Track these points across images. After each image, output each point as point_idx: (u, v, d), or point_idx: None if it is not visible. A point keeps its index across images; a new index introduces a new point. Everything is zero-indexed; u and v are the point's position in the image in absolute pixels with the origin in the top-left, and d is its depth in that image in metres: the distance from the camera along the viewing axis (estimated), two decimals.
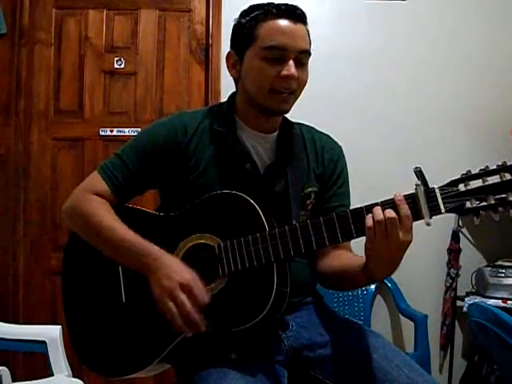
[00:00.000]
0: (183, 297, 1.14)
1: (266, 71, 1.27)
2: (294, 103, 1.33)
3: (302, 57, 1.28)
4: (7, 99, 2.79)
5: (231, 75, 1.37)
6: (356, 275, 1.22)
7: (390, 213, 1.09)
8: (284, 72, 1.26)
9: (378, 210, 1.10)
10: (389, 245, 1.10)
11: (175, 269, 1.18)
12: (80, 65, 2.85)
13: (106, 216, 1.29)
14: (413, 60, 2.88)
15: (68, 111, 2.85)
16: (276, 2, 1.31)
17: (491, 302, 2.50)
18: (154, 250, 1.22)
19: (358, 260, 1.20)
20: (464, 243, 2.82)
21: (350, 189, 1.44)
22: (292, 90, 1.28)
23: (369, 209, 1.13)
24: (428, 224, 1.09)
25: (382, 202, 1.12)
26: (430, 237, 2.50)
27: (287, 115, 1.42)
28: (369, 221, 1.10)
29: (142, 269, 1.22)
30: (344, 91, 2.85)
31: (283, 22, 1.27)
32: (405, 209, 1.09)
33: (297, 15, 1.28)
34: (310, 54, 1.31)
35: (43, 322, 2.43)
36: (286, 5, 1.30)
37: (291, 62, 1.26)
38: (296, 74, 1.26)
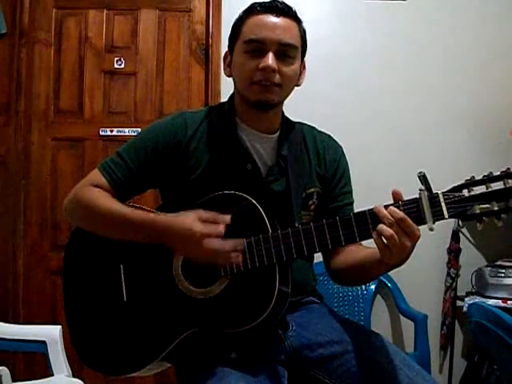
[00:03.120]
0: (206, 246, 1.15)
1: (246, 64, 1.29)
2: (282, 96, 1.33)
3: (285, 50, 1.28)
4: (7, 99, 2.79)
5: (225, 74, 1.39)
6: (372, 268, 1.23)
7: (398, 213, 1.09)
8: (261, 64, 1.26)
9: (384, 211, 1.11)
10: (402, 244, 1.10)
11: (185, 228, 1.17)
12: (80, 65, 2.85)
13: (109, 201, 1.30)
14: (413, 60, 2.88)
15: (68, 111, 2.85)
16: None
17: (491, 302, 2.50)
18: (161, 220, 1.22)
19: (372, 252, 1.19)
20: (464, 243, 2.82)
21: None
22: (273, 81, 1.27)
23: (372, 213, 1.13)
24: (431, 229, 1.10)
25: (385, 206, 1.13)
26: (430, 237, 2.48)
27: (288, 115, 1.43)
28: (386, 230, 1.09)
29: (155, 240, 1.23)
30: (344, 91, 2.85)
31: (265, 17, 1.29)
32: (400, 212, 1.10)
33: (280, 9, 1.29)
34: (297, 48, 1.31)
35: (43, 322, 2.43)
36: (273, 1, 1.31)
37: (270, 54, 1.26)
38: (274, 66, 1.26)
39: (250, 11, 1.32)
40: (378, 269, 1.22)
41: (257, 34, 1.28)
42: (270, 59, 1.26)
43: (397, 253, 1.10)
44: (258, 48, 1.27)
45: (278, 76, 1.28)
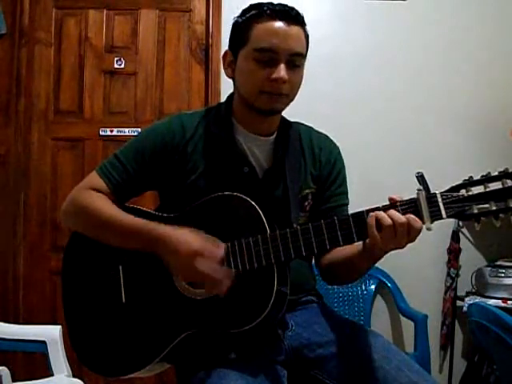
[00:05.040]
0: (199, 265, 1.15)
1: (256, 73, 1.27)
2: (288, 104, 1.33)
3: (294, 59, 1.27)
4: (7, 99, 2.79)
5: (226, 74, 1.37)
6: (359, 263, 1.23)
7: (398, 215, 1.10)
8: (274, 75, 1.25)
9: (382, 214, 1.11)
10: (396, 241, 1.11)
11: (181, 241, 1.18)
12: (80, 65, 2.85)
13: (107, 206, 1.30)
14: (413, 60, 2.89)
15: (68, 111, 2.85)
16: (274, 2, 1.30)
17: (491, 302, 2.50)
18: (159, 230, 1.22)
19: (357, 247, 1.21)
20: (464, 243, 2.82)
21: (350, 188, 1.45)
22: (282, 92, 1.27)
23: (370, 212, 1.13)
24: (429, 229, 1.10)
25: (383, 206, 1.13)
26: (430, 237, 2.48)
27: (286, 115, 1.42)
28: (372, 227, 1.11)
29: (150, 250, 1.23)
30: (344, 91, 2.85)
31: (276, 24, 1.26)
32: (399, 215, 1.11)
33: (291, 16, 1.27)
34: (304, 56, 1.30)
35: (43, 322, 2.43)
36: (282, 5, 1.29)
37: (282, 65, 1.25)
38: (286, 78, 1.25)
39: (260, 15, 1.28)
40: (363, 261, 1.22)
41: (269, 42, 1.25)
42: (282, 71, 1.24)
43: (392, 247, 1.13)
44: (269, 57, 1.25)
45: (287, 86, 1.27)
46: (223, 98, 1.43)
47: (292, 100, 1.33)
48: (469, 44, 2.90)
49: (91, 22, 2.86)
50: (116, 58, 2.86)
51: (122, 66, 2.86)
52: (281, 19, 1.26)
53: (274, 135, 1.38)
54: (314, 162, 1.40)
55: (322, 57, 2.75)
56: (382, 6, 2.87)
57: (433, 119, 2.88)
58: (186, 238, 1.18)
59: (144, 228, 1.24)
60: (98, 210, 1.29)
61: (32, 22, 2.81)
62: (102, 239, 1.31)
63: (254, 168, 1.34)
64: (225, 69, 1.37)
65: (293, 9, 1.29)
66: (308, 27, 1.34)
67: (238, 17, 1.34)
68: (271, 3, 1.30)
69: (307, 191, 1.37)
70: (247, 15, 1.31)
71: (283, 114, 1.41)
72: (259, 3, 1.31)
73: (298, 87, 1.32)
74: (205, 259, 1.16)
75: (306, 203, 1.37)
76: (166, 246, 1.20)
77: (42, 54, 2.83)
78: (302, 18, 1.30)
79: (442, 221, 1.13)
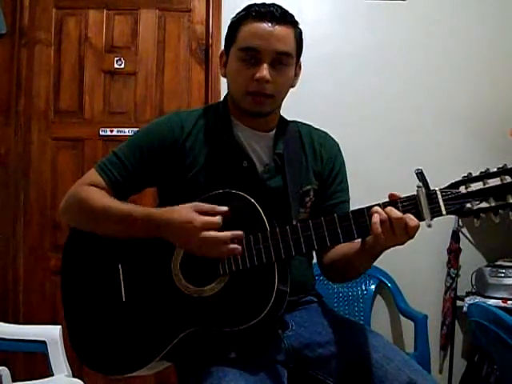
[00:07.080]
0: (203, 234, 1.16)
1: (241, 73, 1.29)
2: (275, 105, 1.33)
3: (281, 58, 1.28)
4: (7, 99, 2.79)
5: (221, 74, 1.39)
6: (359, 260, 1.24)
7: (396, 212, 1.11)
8: (257, 75, 1.26)
9: (379, 210, 1.12)
10: (395, 239, 1.12)
11: (182, 219, 1.18)
12: (80, 65, 2.85)
13: (105, 198, 1.30)
14: (413, 60, 2.89)
15: (68, 111, 2.85)
16: (268, 2, 1.32)
17: (491, 302, 2.50)
18: (157, 212, 1.23)
19: (358, 244, 1.21)
20: (464, 243, 2.82)
21: (349, 188, 1.45)
22: (266, 93, 1.28)
23: (370, 209, 1.13)
24: (429, 226, 1.11)
25: (383, 204, 1.14)
26: (430, 237, 2.48)
27: (288, 114, 1.43)
28: (376, 225, 1.11)
29: (154, 233, 1.24)
30: (344, 91, 2.85)
31: (260, 25, 1.28)
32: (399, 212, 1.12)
33: (276, 17, 1.28)
34: (292, 55, 1.31)
35: (43, 322, 2.43)
36: (268, 6, 1.30)
37: (264, 65, 1.26)
38: (268, 77, 1.26)
39: (246, 17, 1.30)
40: (363, 258, 1.23)
41: (251, 42, 1.27)
42: (265, 70, 1.26)
43: (392, 244, 1.13)
44: (252, 56, 1.27)
45: (271, 86, 1.28)
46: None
47: (279, 101, 1.34)
48: (469, 43, 2.90)
49: (91, 22, 2.85)
50: (116, 58, 2.86)
51: (122, 66, 2.86)
52: (265, 20, 1.27)
53: (274, 131, 1.39)
54: (316, 158, 1.41)
55: (321, 57, 2.75)
56: (381, 6, 2.87)
57: (432, 119, 2.88)
58: (186, 216, 1.18)
59: (144, 212, 1.25)
60: (96, 201, 1.29)
61: (32, 21, 2.81)
62: (102, 231, 1.31)
63: (253, 162, 1.34)
64: (220, 69, 1.39)
65: (279, 9, 1.30)
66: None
67: (233, 17, 1.36)
68: (261, 4, 1.31)
69: (309, 187, 1.38)
70: (237, 16, 1.33)
71: (282, 113, 1.42)
72: (251, 4, 1.32)
73: (285, 87, 1.33)
74: (210, 230, 1.17)
75: (308, 199, 1.38)
76: (169, 229, 1.21)
77: (42, 54, 2.83)
78: (291, 17, 1.31)
79: (442, 221, 1.13)
